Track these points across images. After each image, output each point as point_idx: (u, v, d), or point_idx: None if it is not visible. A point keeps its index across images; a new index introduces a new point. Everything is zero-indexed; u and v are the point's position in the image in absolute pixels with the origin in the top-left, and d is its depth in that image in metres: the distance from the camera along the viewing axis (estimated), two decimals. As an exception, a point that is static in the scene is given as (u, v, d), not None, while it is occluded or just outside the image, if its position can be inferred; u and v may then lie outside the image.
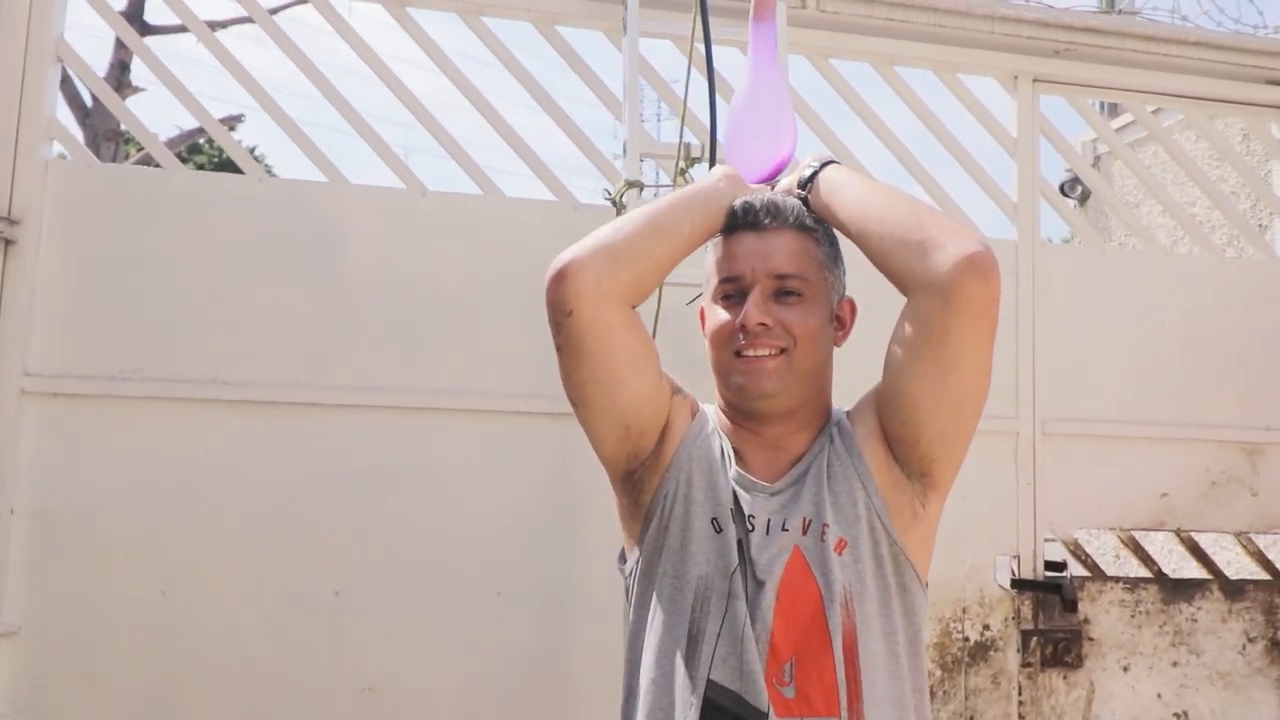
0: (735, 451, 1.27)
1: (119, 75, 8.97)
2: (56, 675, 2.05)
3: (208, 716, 2.10)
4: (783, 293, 1.24)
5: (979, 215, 2.72)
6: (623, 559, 1.33)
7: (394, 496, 2.23)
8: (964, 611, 2.55)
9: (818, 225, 1.28)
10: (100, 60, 8.71)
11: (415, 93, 2.41)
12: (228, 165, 2.39)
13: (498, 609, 2.24)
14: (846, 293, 1.34)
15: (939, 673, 2.52)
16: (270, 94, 2.31)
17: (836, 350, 1.33)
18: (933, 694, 2.50)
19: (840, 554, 1.19)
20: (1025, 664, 2.56)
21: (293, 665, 2.15)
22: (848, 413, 1.32)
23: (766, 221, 1.26)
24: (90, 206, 2.15)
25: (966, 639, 2.54)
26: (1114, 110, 4.84)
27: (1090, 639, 2.61)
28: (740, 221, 1.27)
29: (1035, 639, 2.56)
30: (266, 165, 14.61)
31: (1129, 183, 5.07)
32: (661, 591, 1.22)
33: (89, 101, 8.58)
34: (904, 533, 1.22)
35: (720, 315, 1.26)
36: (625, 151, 2.33)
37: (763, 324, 1.22)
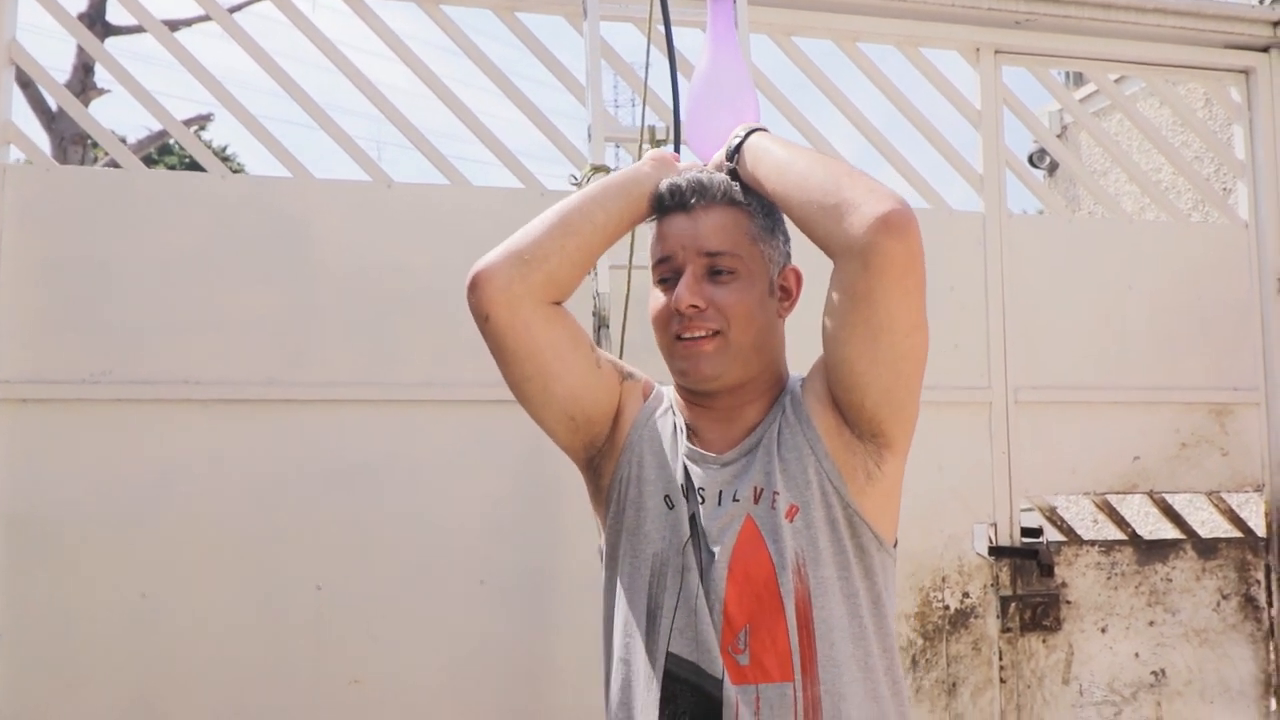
0: (690, 427, 1.29)
1: (83, 78, 8.84)
2: (38, 679, 2.04)
3: (193, 716, 2.10)
4: (715, 271, 1.24)
5: (946, 188, 2.74)
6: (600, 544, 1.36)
7: (371, 490, 2.23)
8: (943, 580, 2.58)
9: (749, 197, 1.28)
10: (64, 63, 8.60)
11: (387, 85, 2.40)
12: (199, 166, 2.37)
13: (480, 598, 2.25)
14: (791, 261, 1.33)
15: (920, 641, 2.55)
16: (238, 91, 2.30)
17: (793, 318, 1.33)
18: (915, 662, 2.54)
19: (791, 520, 1.20)
20: (1005, 629, 2.59)
21: (277, 661, 2.15)
22: (801, 380, 1.32)
23: (693, 201, 1.25)
24: (52, 210, 2.13)
25: (947, 607, 2.58)
26: (1079, 80, 4.86)
27: (1068, 602, 2.65)
28: (669, 203, 1.27)
29: (1014, 604, 2.60)
30: (238, 164, 14.47)
31: (1096, 151, 5.10)
32: (622, 571, 1.25)
33: (54, 106, 8.46)
34: (858, 494, 1.22)
35: (658, 298, 1.27)
36: (590, 136, 2.32)
37: (694, 306, 1.22)
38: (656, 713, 1.16)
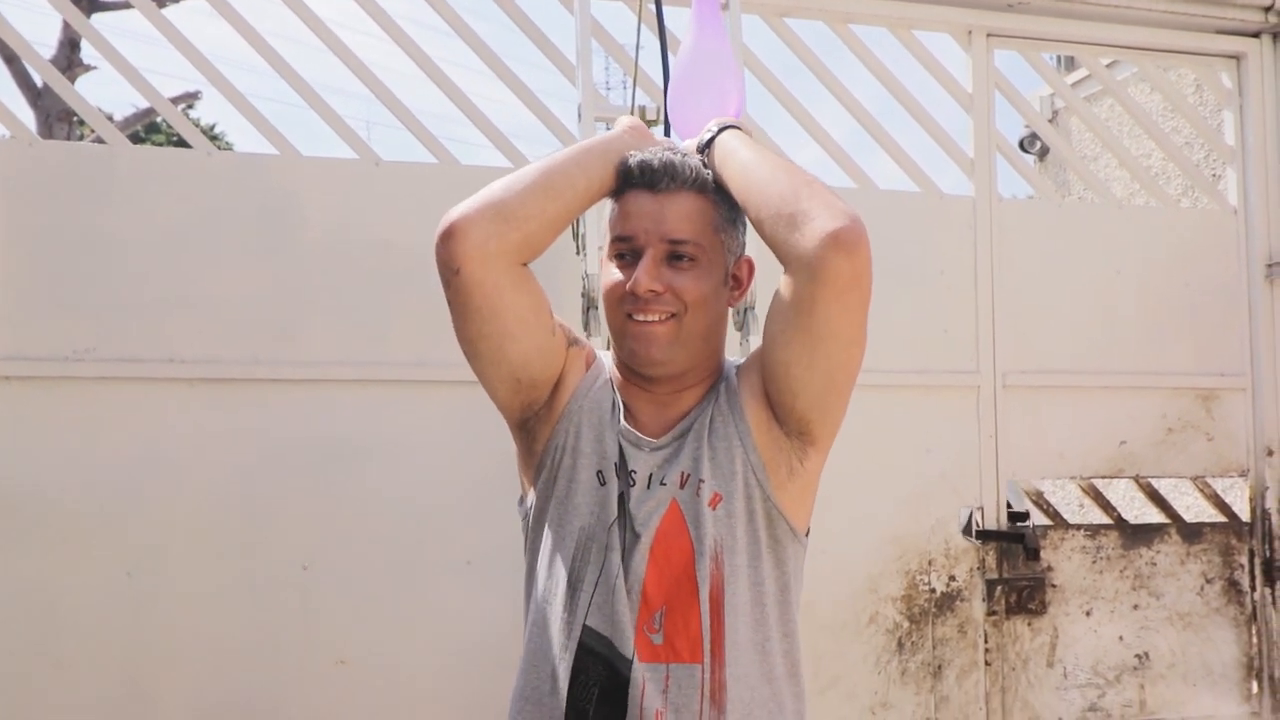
0: (625, 406, 1.29)
1: (69, 54, 8.75)
2: (24, 660, 2.04)
3: (180, 695, 2.10)
4: (675, 256, 1.23)
5: (937, 172, 2.74)
6: (520, 501, 1.36)
7: (359, 470, 2.22)
8: (930, 563, 2.59)
9: (715, 186, 1.28)
10: (49, 38, 8.51)
11: (376, 65, 2.38)
12: (187, 144, 2.34)
13: (467, 578, 2.25)
14: (745, 251, 1.34)
15: (907, 624, 2.57)
16: (226, 69, 2.27)
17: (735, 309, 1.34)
18: (901, 645, 2.55)
19: (714, 509, 1.22)
20: (990, 612, 2.61)
21: (263, 641, 2.15)
22: (737, 368, 1.33)
23: (664, 183, 1.24)
24: (34, 185, 2.10)
25: (933, 590, 2.59)
26: (1070, 65, 4.85)
27: (1053, 586, 2.67)
28: (637, 180, 1.25)
29: (1000, 588, 2.61)
30: (226, 143, 14.34)
31: (1087, 136, 5.10)
32: (547, 538, 1.26)
33: (39, 82, 8.37)
34: (778, 488, 1.26)
35: (614, 274, 1.26)
36: (580, 116, 2.31)
37: (653, 290, 1.22)
38: (568, 680, 1.19)
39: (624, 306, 1.24)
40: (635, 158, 1.26)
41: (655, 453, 1.26)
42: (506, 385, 1.26)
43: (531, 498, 1.31)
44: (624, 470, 1.24)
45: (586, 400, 1.28)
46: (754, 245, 1.33)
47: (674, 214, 1.24)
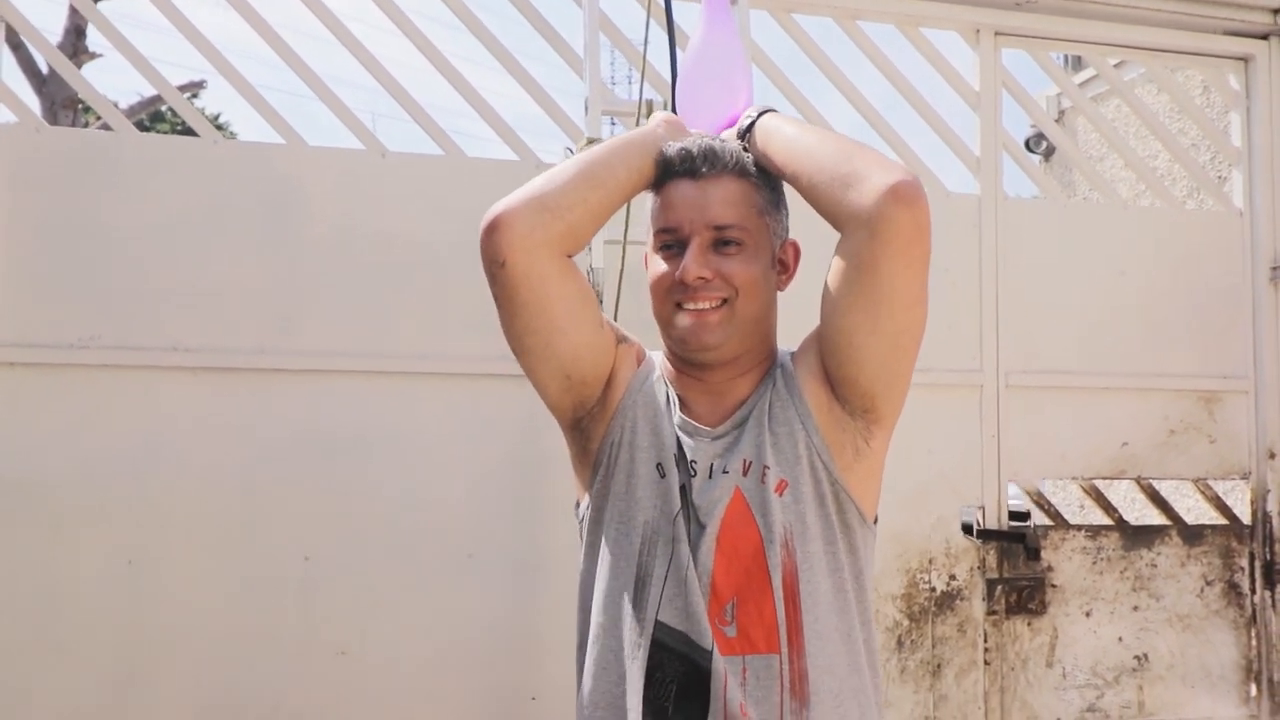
0: (680, 398, 1.28)
1: (75, 41, 8.73)
2: (25, 647, 2.04)
3: (180, 685, 2.11)
4: (722, 243, 1.23)
5: (943, 170, 2.73)
6: (577, 505, 1.34)
7: (362, 461, 2.22)
8: (930, 562, 2.59)
9: (757, 169, 1.28)
10: (56, 25, 8.50)
11: (385, 57, 2.38)
12: (192, 133, 2.34)
13: (469, 571, 2.26)
14: (790, 235, 1.33)
15: (906, 622, 2.57)
16: (233, 59, 2.27)
17: (782, 293, 1.34)
18: (900, 643, 2.56)
19: (780, 495, 1.20)
20: (990, 612, 2.61)
21: (264, 631, 2.15)
22: (792, 354, 1.32)
23: (704, 169, 1.24)
24: (40, 172, 2.11)
25: (933, 589, 2.59)
26: (1078, 64, 4.85)
27: (1053, 586, 2.67)
28: (677, 169, 1.25)
29: (1000, 587, 2.62)
30: (231, 133, 14.34)
31: (1093, 136, 5.09)
32: (609, 537, 1.24)
33: (45, 69, 8.37)
34: (845, 470, 1.23)
35: (660, 266, 1.26)
36: (587, 109, 2.31)
37: (702, 278, 1.21)
38: (643, 680, 1.16)
39: (673, 296, 1.24)
40: (674, 147, 1.26)
41: (715, 442, 1.24)
42: (557, 382, 1.24)
43: (588, 499, 1.29)
44: (684, 461, 1.22)
45: (640, 395, 1.27)
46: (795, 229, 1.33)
47: (717, 199, 1.23)
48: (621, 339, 1.31)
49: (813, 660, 1.17)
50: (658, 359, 1.34)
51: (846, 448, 1.24)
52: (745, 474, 1.21)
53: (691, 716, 1.14)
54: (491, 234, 1.15)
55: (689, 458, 1.23)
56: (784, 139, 1.24)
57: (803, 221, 1.32)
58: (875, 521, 1.29)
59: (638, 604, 1.19)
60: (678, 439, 1.24)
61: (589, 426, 1.28)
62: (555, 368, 1.23)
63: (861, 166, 1.12)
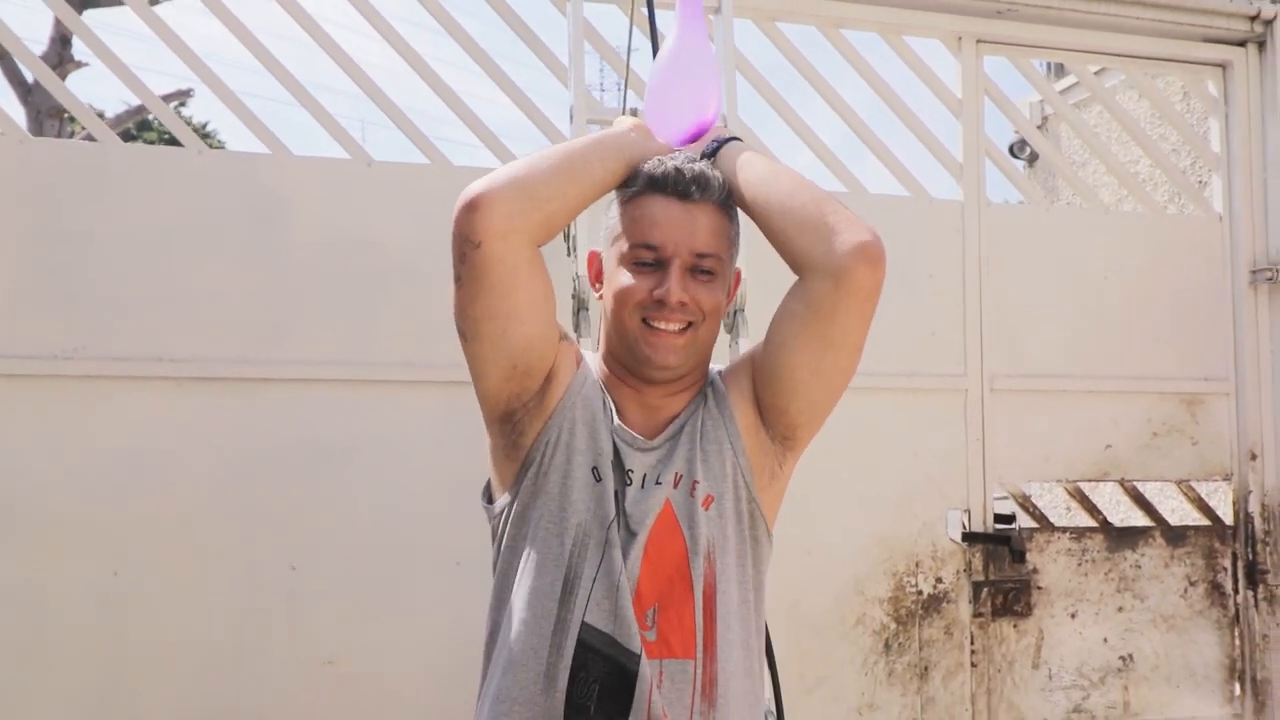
0: (615, 405, 1.31)
1: (60, 49, 8.72)
2: (10, 657, 2.03)
3: (166, 694, 2.10)
4: (699, 270, 1.27)
5: (926, 177, 2.75)
6: (489, 498, 1.34)
7: (348, 470, 2.22)
8: (917, 565, 2.61)
9: (732, 203, 1.31)
10: (40, 34, 8.47)
11: (370, 64, 2.38)
12: (178, 143, 2.34)
13: (456, 579, 2.25)
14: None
15: (893, 625, 2.58)
16: (219, 67, 2.27)
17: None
18: (888, 646, 2.57)
19: (707, 509, 1.26)
20: (977, 614, 2.63)
21: (251, 641, 2.15)
22: (720, 373, 1.37)
23: (695, 194, 1.26)
24: (25, 183, 2.10)
25: (920, 592, 2.61)
26: (1060, 71, 4.89)
27: (1039, 588, 2.69)
28: (668, 187, 1.26)
29: (986, 590, 2.63)
30: (218, 142, 14.30)
31: (1075, 143, 5.13)
32: (536, 536, 1.24)
33: (30, 79, 8.34)
34: (761, 491, 1.31)
35: (630, 279, 1.26)
36: (571, 117, 2.32)
37: (682, 302, 1.25)
38: (567, 678, 1.17)
39: (643, 311, 1.26)
40: (666, 164, 1.27)
41: (649, 453, 1.27)
42: (501, 371, 1.24)
43: (511, 495, 1.29)
44: (620, 468, 1.25)
45: (579, 398, 1.28)
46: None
47: (704, 228, 1.27)
48: (563, 336, 1.31)
49: (722, 666, 1.22)
50: (592, 361, 1.35)
51: (765, 470, 1.31)
52: (675, 486, 1.26)
53: (613, 716, 1.17)
54: (470, 213, 1.14)
55: (625, 465, 1.26)
56: (757, 176, 1.27)
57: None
58: (772, 537, 1.35)
59: (564, 604, 1.20)
60: (615, 445, 1.26)
61: (522, 421, 1.27)
62: (504, 355, 1.22)
63: (835, 221, 1.19)
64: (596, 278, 1.34)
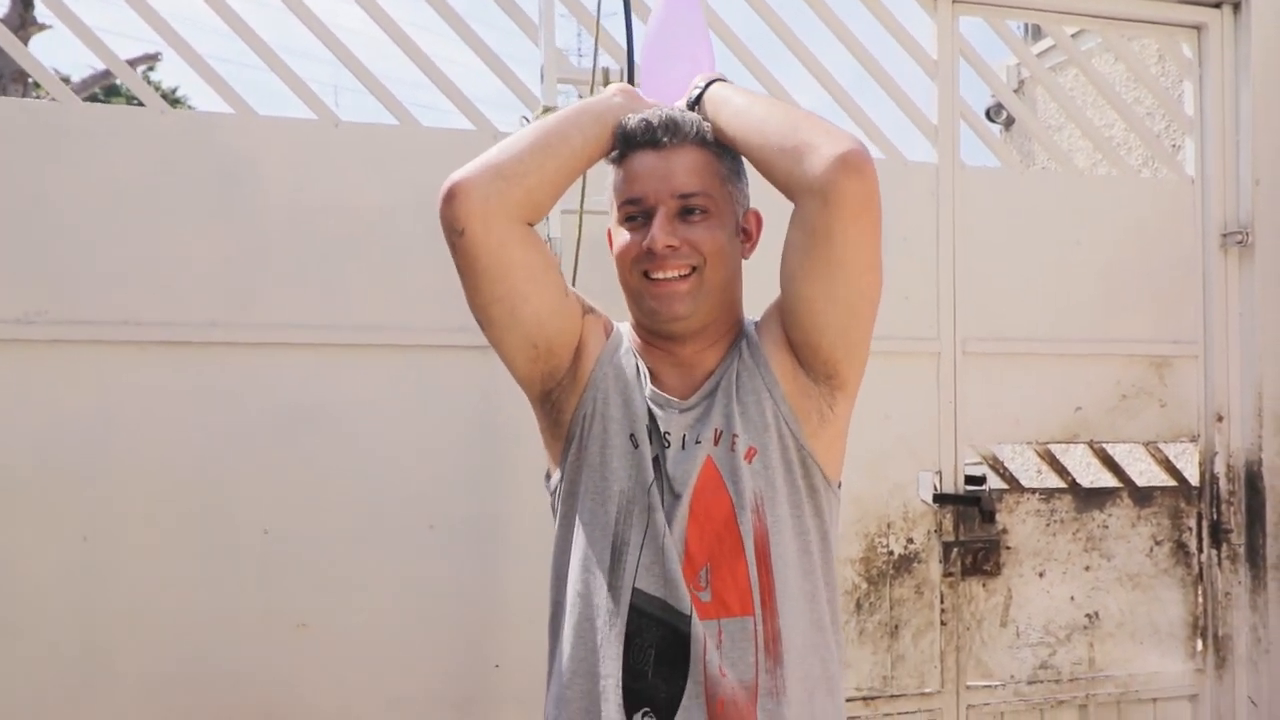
0: (650, 370, 1.30)
1: (22, 12, 8.51)
2: (-22, 625, 2.02)
3: (138, 661, 2.10)
4: (687, 211, 1.25)
5: (901, 139, 2.74)
6: (548, 477, 1.36)
7: (320, 434, 2.21)
8: (888, 526, 2.64)
9: (715, 139, 1.29)
10: (0, -4, 8.26)
11: (345, 28, 2.34)
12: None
13: (429, 543, 2.26)
14: (751, 205, 1.35)
15: (865, 585, 2.61)
16: (188, 30, 2.21)
17: (747, 263, 1.36)
18: (859, 605, 2.60)
19: (750, 462, 1.23)
20: (947, 574, 2.66)
21: (223, 606, 2.14)
22: (755, 323, 1.34)
23: (665, 139, 1.25)
24: (-19, 143, 2.05)
25: (891, 552, 2.64)
26: (1037, 34, 4.87)
27: (1008, 548, 2.73)
28: (639, 140, 1.26)
29: (956, 550, 2.67)
30: (189, 106, 14.05)
31: (1052, 106, 5.13)
32: (584, 507, 1.25)
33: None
34: (811, 436, 1.27)
35: (625, 237, 1.27)
36: (542, 77, 2.29)
37: (670, 246, 1.23)
38: (621, 646, 1.18)
39: (640, 266, 1.25)
40: (635, 118, 1.26)
41: (686, 413, 1.26)
42: (524, 352, 1.24)
43: (561, 471, 1.30)
44: (657, 432, 1.24)
45: (610, 367, 1.28)
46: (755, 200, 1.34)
47: (681, 168, 1.25)
48: (588, 310, 1.32)
49: (784, 620, 1.20)
50: (625, 330, 1.35)
51: (812, 414, 1.27)
52: (716, 443, 1.23)
53: (670, 680, 1.16)
54: (449, 203, 1.16)
55: (662, 429, 1.25)
56: (733, 110, 1.25)
57: (763, 190, 1.33)
58: (839, 485, 1.32)
59: (614, 571, 1.21)
60: (649, 410, 1.25)
61: (559, 398, 1.29)
62: (521, 337, 1.23)
63: (810, 137, 1.15)
64: (613, 251, 1.33)
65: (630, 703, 1.17)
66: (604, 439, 1.25)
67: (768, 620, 1.20)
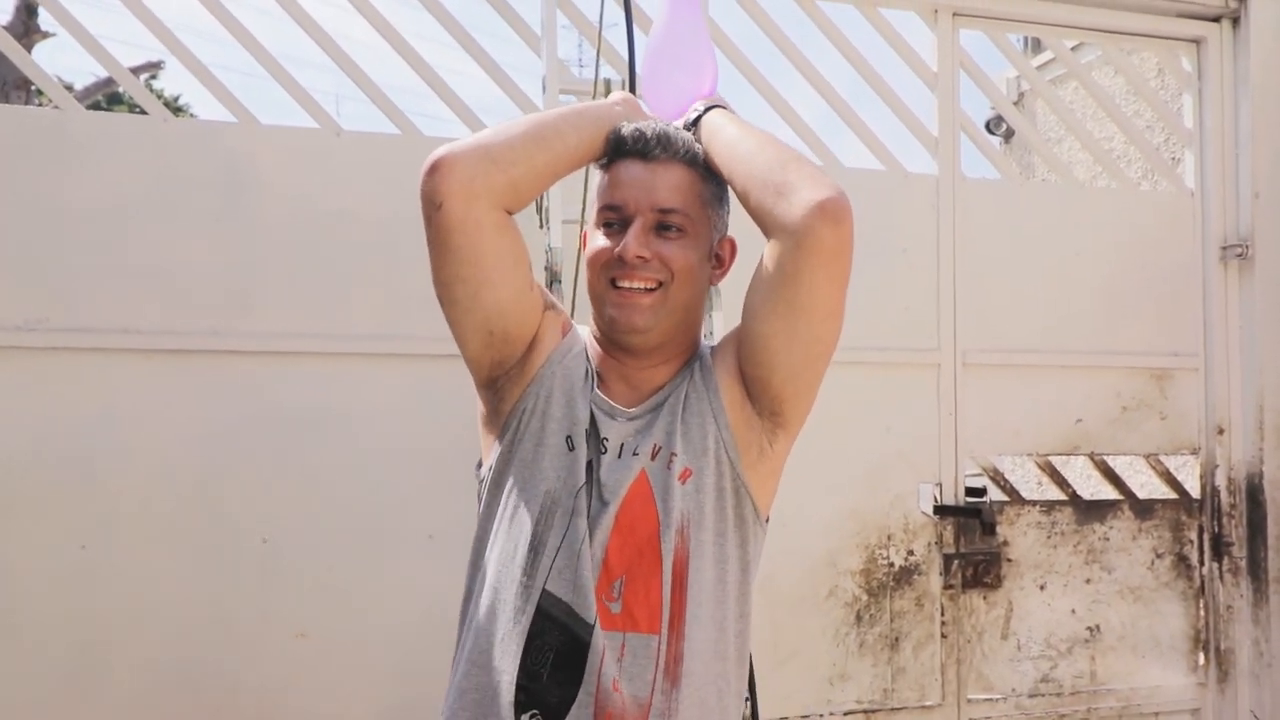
0: (599, 375, 1.30)
1: (25, 19, 8.53)
2: (-24, 633, 2.01)
3: (137, 667, 2.09)
4: (663, 226, 1.25)
5: (901, 151, 2.75)
6: (479, 466, 1.35)
7: (320, 443, 2.21)
8: (889, 538, 2.63)
9: (704, 162, 1.29)
10: (4, 2, 8.29)
11: (348, 37, 2.35)
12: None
13: (428, 552, 2.25)
14: (729, 232, 1.36)
15: (865, 597, 2.60)
16: (191, 39, 2.23)
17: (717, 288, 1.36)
18: (859, 617, 2.59)
19: (684, 483, 1.23)
20: (947, 586, 2.65)
21: (222, 614, 2.14)
22: (711, 349, 1.35)
23: (656, 152, 1.26)
24: (-16, 151, 2.06)
25: (891, 564, 2.63)
26: (1037, 47, 4.89)
27: (1009, 560, 2.72)
28: (629, 148, 1.26)
29: (956, 562, 2.66)
30: (191, 114, 14.10)
31: (1051, 119, 5.15)
32: (509, 501, 1.24)
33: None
34: (749, 468, 1.27)
35: (600, 241, 1.27)
36: (544, 88, 2.30)
37: (641, 257, 1.23)
38: (522, 644, 1.17)
39: (609, 272, 1.25)
40: (628, 127, 1.27)
41: (628, 422, 1.26)
42: (479, 337, 1.24)
43: (492, 461, 1.29)
44: (595, 437, 1.24)
45: (560, 366, 1.27)
46: (734, 229, 1.34)
47: (664, 184, 1.25)
48: (549, 305, 1.31)
49: (688, 644, 1.19)
50: (584, 333, 1.35)
51: (752, 446, 1.27)
52: (653, 458, 1.23)
53: (563, 685, 1.15)
54: (431, 175, 1.15)
55: (601, 434, 1.24)
56: (725, 139, 1.26)
57: (742, 219, 1.33)
58: (768, 520, 1.32)
59: (528, 570, 1.19)
60: (592, 414, 1.25)
61: (504, 387, 1.28)
62: (480, 320, 1.23)
63: (794, 178, 1.16)
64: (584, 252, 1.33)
65: (521, 702, 1.16)
66: (540, 436, 1.24)
67: (673, 642, 1.19)
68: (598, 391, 1.27)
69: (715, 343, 1.37)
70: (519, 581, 1.20)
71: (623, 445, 1.24)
